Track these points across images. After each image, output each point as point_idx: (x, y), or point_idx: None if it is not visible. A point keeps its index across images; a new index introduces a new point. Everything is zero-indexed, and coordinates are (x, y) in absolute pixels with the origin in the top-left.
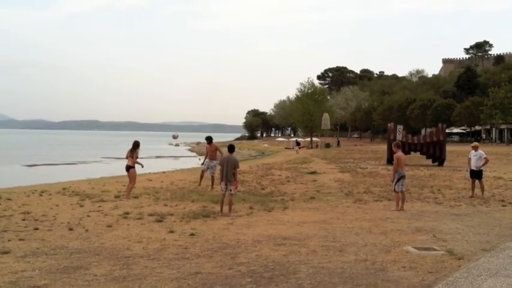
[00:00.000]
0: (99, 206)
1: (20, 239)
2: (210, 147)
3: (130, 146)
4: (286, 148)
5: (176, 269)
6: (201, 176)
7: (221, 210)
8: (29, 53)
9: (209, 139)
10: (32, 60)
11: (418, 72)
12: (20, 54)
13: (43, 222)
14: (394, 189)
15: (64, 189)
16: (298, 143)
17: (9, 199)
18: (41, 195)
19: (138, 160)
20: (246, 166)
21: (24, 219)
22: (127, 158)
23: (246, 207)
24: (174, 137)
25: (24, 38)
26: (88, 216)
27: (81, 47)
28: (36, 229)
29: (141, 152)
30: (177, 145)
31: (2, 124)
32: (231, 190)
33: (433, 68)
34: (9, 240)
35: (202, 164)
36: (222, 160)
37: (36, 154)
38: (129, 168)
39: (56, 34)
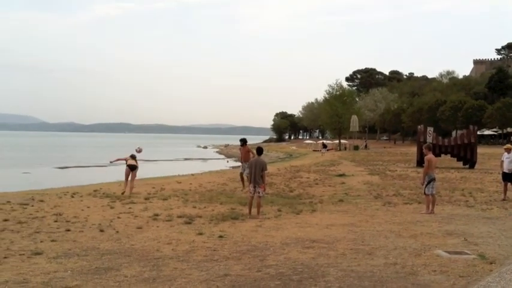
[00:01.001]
0: (129, 208)
1: (52, 240)
2: (243, 149)
3: (158, 149)
4: (314, 150)
5: (205, 270)
6: (242, 179)
7: (249, 212)
8: (61, 56)
9: (243, 141)
10: (63, 63)
11: (448, 73)
12: (52, 57)
13: (75, 224)
14: (424, 192)
15: (95, 191)
16: (325, 146)
17: (42, 201)
18: (73, 197)
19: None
20: (274, 168)
21: (56, 221)
22: (127, 160)
23: (274, 209)
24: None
25: (55, 41)
26: (118, 217)
27: (112, 50)
28: (68, 230)
29: (170, 153)
30: (205, 147)
31: (34, 127)
32: (259, 192)
33: (463, 69)
34: (41, 241)
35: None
36: (250, 162)
37: (67, 156)
38: (134, 167)
39: (87, 37)
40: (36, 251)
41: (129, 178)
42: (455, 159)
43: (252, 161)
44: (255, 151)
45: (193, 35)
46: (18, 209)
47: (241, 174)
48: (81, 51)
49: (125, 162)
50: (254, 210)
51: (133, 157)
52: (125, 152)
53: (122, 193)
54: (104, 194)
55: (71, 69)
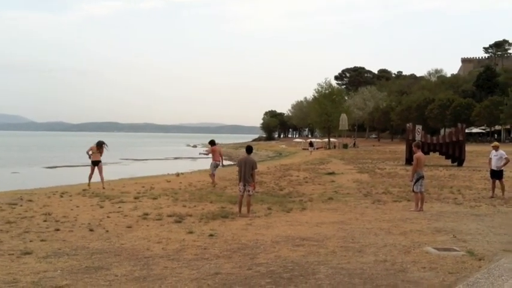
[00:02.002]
0: (119, 207)
1: (42, 240)
2: (211, 149)
3: (148, 148)
4: (303, 149)
5: (196, 269)
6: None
7: (239, 211)
8: (49, 55)
9: (212, 142)
10: (52, 62)
11: (436, 71)
12: (40, 57)
13: (64, 223)
14: (413, 190)
15: (84, 190)
16: (311, 144)
17: (31, 200)
18: (62, 196)
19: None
20: (264, 167)
21: (45, 220)
22: (91, 153)
23: (265, 208)
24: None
25: (44, 40)
26: (108, 217)
27: (100, 50)
28: (58, 230)
29: (159, 152)
30: (194, 146)
31: (21, 126)
32: (249, 191)
33: (451, 68)
34: (31, 241)
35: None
36: (240, 161)
37: (55, 156)
38: (98, 162)
39: (75, 37)
40: (26, 250)
41: (94, 173)
42: (444, 157)
43: (241, 159)
44: (240, 150)
45: (183, 34)
46: (7, 208)
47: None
48: (70, 51)
49: (91, 153)
50: (244, 209)
51: (99, 145)
52: (108, 150)
53: (86, 189)
54: (93, 193)
55: (59, 68)
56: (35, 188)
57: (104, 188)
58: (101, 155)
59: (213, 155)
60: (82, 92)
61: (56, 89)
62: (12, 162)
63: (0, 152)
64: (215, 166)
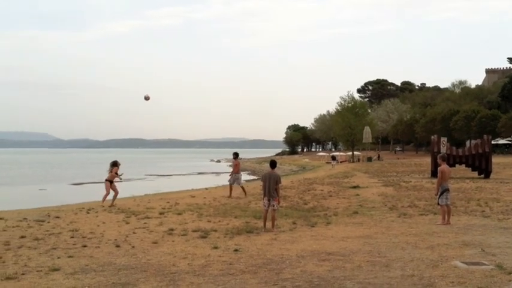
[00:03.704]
0: (145, 223)
1: (69, 256)
2: (234, 162)
3: (172, 164)
4: (327, 163)
5: (222, 284)
6: (231, 188)
7: (264, 225)
8: (72, 73)
9: (236, 154)
10: (75, 80)
11: (460, 83)
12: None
13: (91, 239)
14: (438, 203)
15: (110, 206)
16: (334, 158)
17: (58, 217)
18: (88, 212)
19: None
20: (288, 181)
21: (72, 237)
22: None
23: (289, 222)
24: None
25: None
26: (134, 233)
27: (123, 66)
28: (85, 246)
29: (184, 168)
30: (218, 161)
31: (49, 144)
32: (273, 205)
33: (476, 79)
34: (58, 258)
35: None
36: (264, 176)
37: (82, 172)
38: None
39: (98, 54)
40: (54, 267)
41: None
42: (470, 169)
43: (265, 174)
44: (264, 165)
45: (203, 50)
46: (35, 225)
47: (231, 184)
48: (93, 68)
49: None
50: (269, 224)
51: (114, 165)
52: (133, 166)
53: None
54: (119, 209)
55: (83, 85)
56: (62, 205)
57: (103, 205)
58: (113, 174)
59: (236, 167)
60: (106, 109)
61: (80, 107)
62: (39, 179)
63: (28, 169)
64: (237, 178)
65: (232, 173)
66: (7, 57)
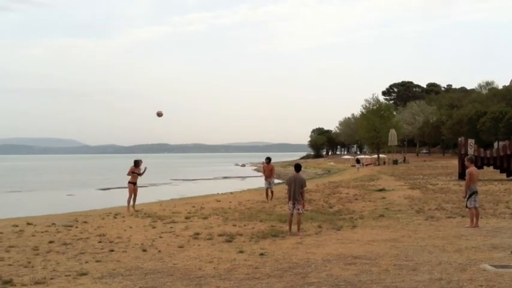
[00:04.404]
0: (171, 227)
1: (97, 261)
2: (267, 167)
3: (197, 168)
4: (352, 166)
5: None
6: (267, 194)
7: (290, 229)
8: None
9: (268, 159)
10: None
11: (487, 84)
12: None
13: (118, 244)
14: (467, 206)
15: (137, 211)
16: (358, 161)
17: (86, 222)
18: (115, 217)
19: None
20: (313, 185)
21: (100, 242)
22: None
23: (315, 226)
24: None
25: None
26: (160, 237)
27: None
28: (112, 251)
29: (209, 172)
30: (243, 165)
31: (76, 150)
32: (298, 209)
33: (503, 79)
34: (86, 262)
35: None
36: (289, 179)
37: (107, 178)
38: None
39: (123, 61)
40: (82, 271)
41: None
42: (499, 171)
43: (290, 177)
44: (289, 168)
45: (228, 55)
46: (63, 230)
47: (267, 189)
48: (119, 74)
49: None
50: (294, 227)
51: (136, 165)
52: (159, 171)
53: (138, 211)
54: (145, 214)
55: (109, 92)
56: (90, 210)
57: (133, 209)
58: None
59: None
60: (132, 115)
61: (106, 113)
62: (67, 184)
63: (56, 175)
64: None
65: (266, 178)
66: (40, 65)
